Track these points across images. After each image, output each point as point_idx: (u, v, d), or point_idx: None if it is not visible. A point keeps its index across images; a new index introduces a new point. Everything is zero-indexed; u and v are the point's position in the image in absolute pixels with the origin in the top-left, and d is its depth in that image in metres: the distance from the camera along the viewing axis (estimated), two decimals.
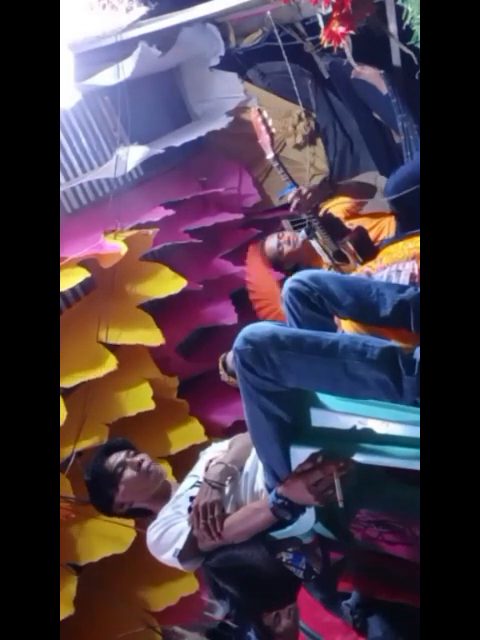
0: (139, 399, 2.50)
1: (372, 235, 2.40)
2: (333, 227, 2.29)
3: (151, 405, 2.45)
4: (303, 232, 2.34)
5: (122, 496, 1.67)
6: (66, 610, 2.06)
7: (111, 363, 2.38)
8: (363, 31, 2.29)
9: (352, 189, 2.60)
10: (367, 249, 2.25)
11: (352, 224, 2.40)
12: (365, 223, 2.44)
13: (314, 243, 2.31)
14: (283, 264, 2.76)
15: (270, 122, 2.21)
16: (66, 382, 2.28)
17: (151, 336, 2.56)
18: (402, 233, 2.28)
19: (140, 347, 2.76)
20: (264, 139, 2.23)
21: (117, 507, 1.69)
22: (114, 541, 2.25)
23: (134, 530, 2.18)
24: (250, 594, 1.57)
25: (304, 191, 2.23)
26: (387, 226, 2.49)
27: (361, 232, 2.30)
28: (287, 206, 3.33)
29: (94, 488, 1.70)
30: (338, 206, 2.58)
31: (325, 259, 2.34)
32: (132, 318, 2.60)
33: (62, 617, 2.03)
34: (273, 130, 2.22)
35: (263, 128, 2.21)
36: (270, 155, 2.25)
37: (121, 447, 1.74)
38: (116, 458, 1.70)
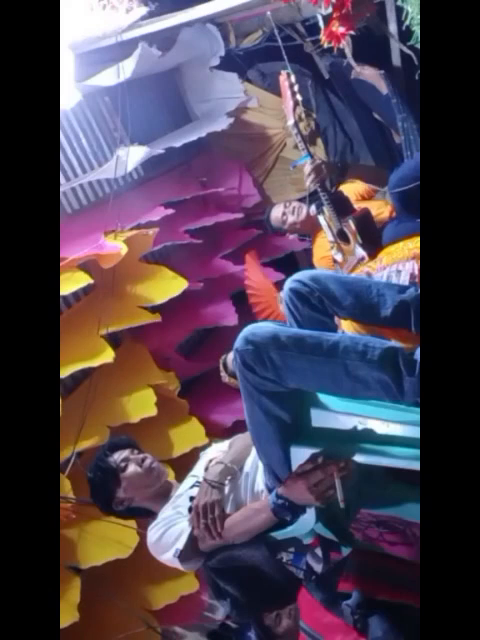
0: (142, 405, 2.49)
1: (377, 221, 2.40)
2: (340, 205, 2.31)
3: (154, 411, 2.45)
4: (313, 207, 2.36)
5: (124, 492, 1.67)
6: (70, 616, 2.05)
7: (108, 355, 2.38)
8: (363, 31, 2.29)
9: (365, 172, 2.61)
10: (369, 232, 2.26)
11: (359, 206, 2.42)
12: (371, 208, 2.44)
13: (321, 219, 2.32)
14: (285, 233, 2.80)
15: (296, 88, 2.21)
16: (62, 371, 2.27)
17: (147, 318, 2.57)
18: (400, 224, 2.27)
19: (140, 347, 2.76)
20: (288, 104, 2.24)
21: (118, 504, 1.69)
22: (117, 544, 2.24)
23: (136, 533, 2.18)
24: (250, 594, 1.57)
25: (318, 161, 2.25)
26: (390, 215, 2.50)
27: (365, 213, 2.31)
28: None
29: (96, 484, 1.70)
30: (351, 187, 2.59)
31: (329, 237, 2.35)
32: (131, 314, 2.60)
33: (67, 624, 2.02)
34: (298, 97, 2.22)
35: (289, 93, 2.21)
36: (290, 121, 2.26)
37: (125, 445, 1.75)
38: (120, 454, 1.71)
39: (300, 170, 3.26)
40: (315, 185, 2.26)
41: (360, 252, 2.25)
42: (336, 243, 2.32)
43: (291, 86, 2.20)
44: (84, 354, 2.39)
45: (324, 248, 2.55)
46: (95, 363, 2.36)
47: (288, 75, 2.21)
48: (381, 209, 2.52)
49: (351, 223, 2.23)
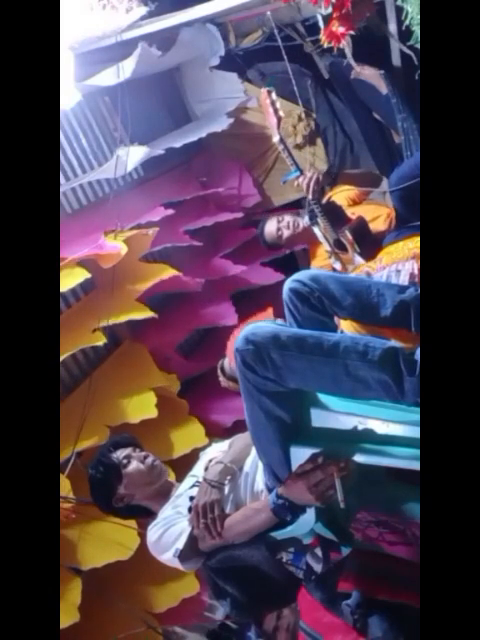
0: (142, 406, 2.49)
1: (372, 226, 2.40)
2: (334, 215, 2.30)
3: (154, 413, 2.45)
4: (306, 219, 2.35)
5: (124, 488, 1.68)
6: (71, 617, 2.05)
7: (100, 339, 2.38)
8: (363, 31, 2.29)
9: (355, 178, 2.60)
10: (366, 239, 2.25)
11: (354, 213, 2.40)
12: (366, 212, 2.43)
13: (316, 230, 2.32)
14: (281, 248, 2.78)
15: (278, 104, 2.21)
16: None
17: (143, 313, 2.57)
18: (401, 226, 2.27)
19: (140, 347, 2.76)
20: (272, 121, 2.23)
21: (118, 500, 1.70)
22: (118, 546, 2.24)
23: (137, 534, 2.17)
24: (250, 594, 1.57)
25: (309, 174, 2.24)
26: (388, 218, 2.49)
27: (360, 222, 2.30)
28: (287, 206, 3.37)
29: (97, 480, 1.70)
30: (342, 194, 2.58)
31: (326, 246, 2.34)
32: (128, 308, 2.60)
33: (68, 624, 2.02)
34: (280, 113, 2.22)
35: (271, 110, 2.21)
36: (276, 137, 2.25)
37: (127, 444, 1.76)
38: (122, 452, 1.72)
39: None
40: (311, 195, 2.24)
41: (359, 260, 2.25)
42: (334, 253, 2.31)
43: (273, 103, 2.20)
44: (79, 344, 2.39)
45: (322, 257, 2.55)
46: (87, 344, 2.36)
47: (269, 92, 2.21)
48: (376, 213, 2.51)
49: (347, 233, 2.22)
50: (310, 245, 2.72)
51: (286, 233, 2.67)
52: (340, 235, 2.25)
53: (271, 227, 2.71)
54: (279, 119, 2.21)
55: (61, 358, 2.28)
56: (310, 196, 2.25)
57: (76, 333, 2.43)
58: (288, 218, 2.69)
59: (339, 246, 2.28)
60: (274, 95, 2.21)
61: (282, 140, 2.24)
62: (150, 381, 2.61)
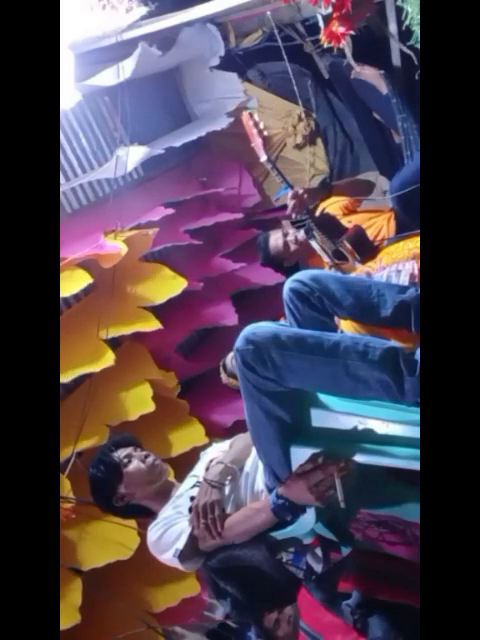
0: (139, 400, 2.50)
1: (370, 233, 2.39)
2: (330, 226, 2.28)
3: (151, 406, 2.45)
4: (302, 232, 2.34)
5: (125, 487, 1.68)
6: (71, 618, 2.06)
7: (109, 359, 2.38)
8: (363, 31, 2.29)
9: (348, 188, 2.59)
10: (365, 248, 2.24)
11: (350, 222, 2.39)
12: (363, 220, 2.42)
13: (313, 243, 2.30)
14: (285, 261, 2.75)
15: (262, 125, 2.21)
16: (64, 377, 2.27)
17: (148, 325, 2.57)
18: (402, 232, 2.26)
19: (140, 347, 2.76)
20: (257, 142, 2.23)
21: (118, 499, 1.70)
22: (118, 546, 2.24)
23: (137, 534, 2.18)
24: (250, 594, 1.57)
25: (300, 192, 2.23)
26: (385, 223, 2.48)
27: (358, 231, 2.29)
28: (286, 206, 3.35)
29: (98, 479, 1.70)
30: (335, 204, 2.57)
31: (325, 258, 2.33)
32: (131, 316, 2.60)
33: (68, 625, 2.03)
34: (265, 133, 2.21)
35: (255, 131, 2.20)
36: (263, 158, 2.24)
37: (128, 443, 1.77)
38: (123, 451, 1.72)
39: (300, 170, 3.28)
40: (299, 215, 2.23)
41: (360, 268, 2.24)
42: (335, 264, 2.30)
43: (256, 125, 2.19)
44: (84, 357, 2.39)
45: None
46: (97, 368, 2.36)
47: (250, 115, 2.21)
48: (373, 219, 2.50)
49: (346, 243, 2.21)
50: (312, 257, 2.69)
51: (293, 247, 2.63)
52: (339, 246, 2.24)
53: (277, 241, 2.63)
54: (264, 139, 2.21)
55: (69, 378, 2.29)
56: (293, 216, 2.24)
57: (76, 335, 2.44)
58: (292, 231, 2.66)
59: (339, 256, 2.27)
60: (256, 116, 2.21)
61: (269, 159, 2.23)
62: (147, 377, 2.61)
